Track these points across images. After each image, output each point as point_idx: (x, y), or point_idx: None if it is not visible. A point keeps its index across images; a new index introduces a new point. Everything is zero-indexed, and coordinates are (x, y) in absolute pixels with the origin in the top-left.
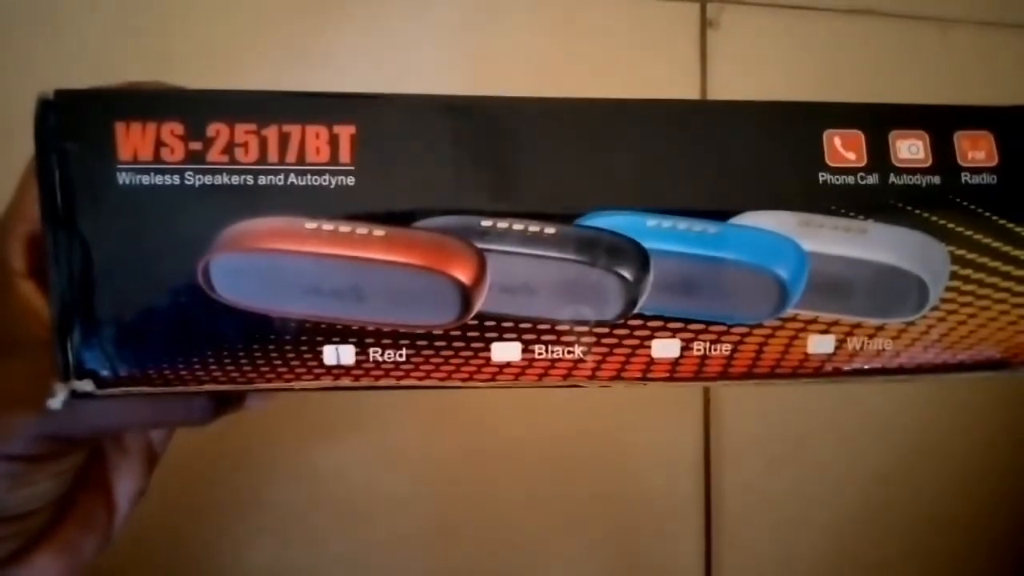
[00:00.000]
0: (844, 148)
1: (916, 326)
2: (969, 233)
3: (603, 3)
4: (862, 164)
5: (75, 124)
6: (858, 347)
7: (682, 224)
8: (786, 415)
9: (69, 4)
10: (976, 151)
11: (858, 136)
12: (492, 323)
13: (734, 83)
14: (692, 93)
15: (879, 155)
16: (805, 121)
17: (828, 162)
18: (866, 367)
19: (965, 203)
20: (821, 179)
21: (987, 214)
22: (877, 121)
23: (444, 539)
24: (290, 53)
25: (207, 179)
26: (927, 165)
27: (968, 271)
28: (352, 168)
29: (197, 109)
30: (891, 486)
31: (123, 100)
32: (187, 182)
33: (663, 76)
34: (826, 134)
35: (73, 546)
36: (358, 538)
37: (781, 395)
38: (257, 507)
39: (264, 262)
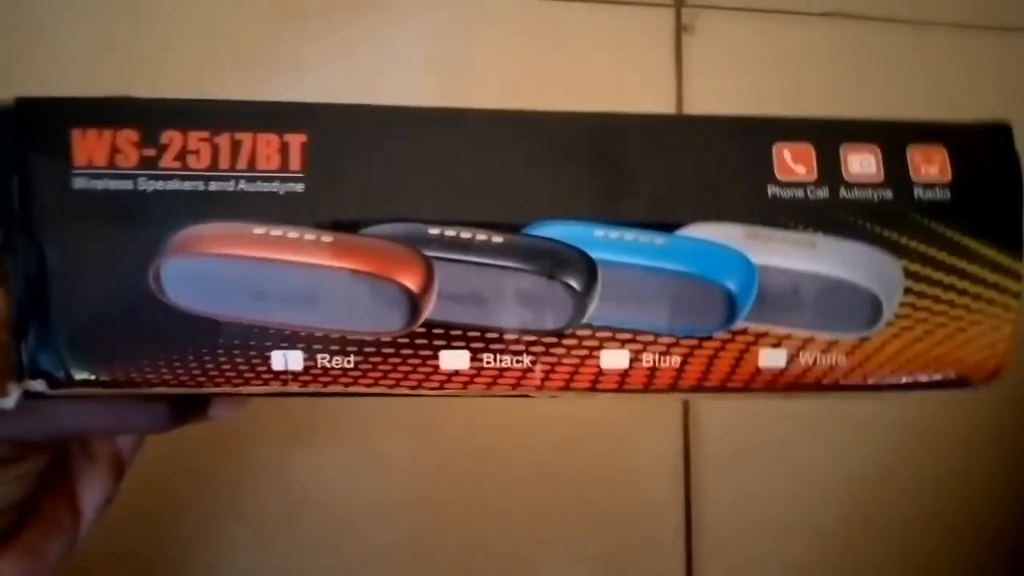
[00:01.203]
0: (794, 162)
1: (870, 342)
2: (923, 248)
3: (578, 9)
4: (812, 178)
5: (34, 130)
6: (811, 362)
7: (630, 235)
8: (766, 421)
9: (53, 18)
10: (929, 166)
11: (808, 150)
12: (440, 331)
13: (710, 87)
14: (668, 97)
15: (830, 169)
16: (755, 134)
17: (778, 176)
18: (820, 383)
19: (919, 218)
20: (770, 192)
21: (941, 229)
22: (828, 135)
23: (426, 549)
24: (269, 63)
25: (159, 184)
26: (879, 180)
27: (923, 287)
28: (302, 175)
29: (152, 117)
30: (872, 491)
31: (80, 107)
32: (140, 187)
33: (638, 81)
34: (776, 147)
35: (37, 551)
36: (339, 548)
37: (760, 402)
38: (236, 517)
39: (213, 267)
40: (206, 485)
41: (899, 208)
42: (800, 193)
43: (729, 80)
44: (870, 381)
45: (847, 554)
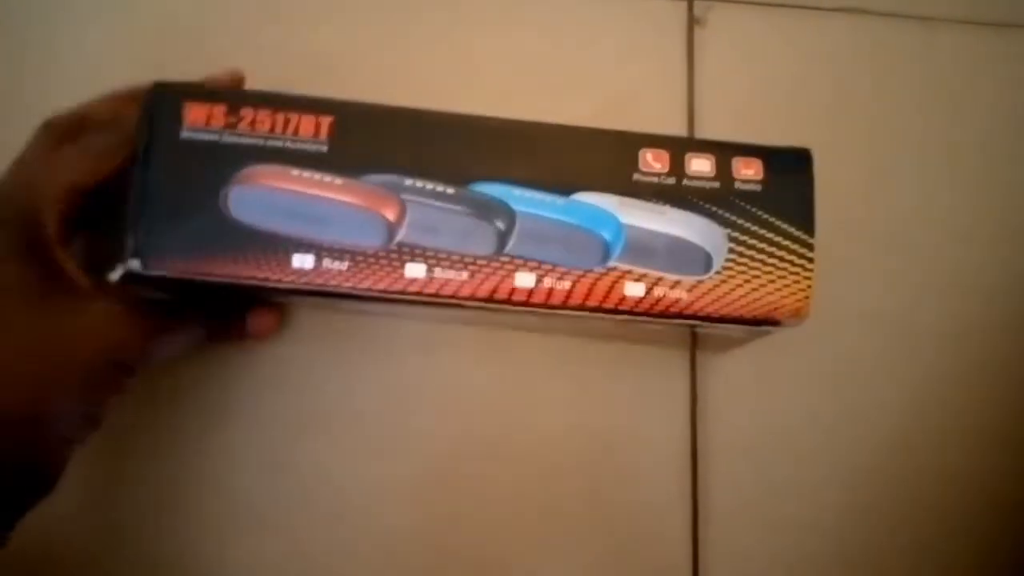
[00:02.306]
0: (653, 160)
1: (704, 283)
2: (741, 221)
3: (590, 1)
4: (665, 171)
5: (162, 101)
6: (661, 294)
7: (539, 195)
8: (772, 413)
9: (67, 15)
10: (747, 170)
11: (663, 153)
12: (407, 249)
13: (721, 80)
14: (679, 90)
15: (677, 166)
16: (629, 142)
17: (641, 168)
18: (669, 310)
19: (737, 201)
20: (635, 178)
21: (753, 210)
22: (678, 147)
23: (429, 534)
24: (277, 54)
25: (235, 139)
26: (711, 175)
27: (742, 248)
28: (327, 142)
29: (235, 99)
30: (877, 483)
31: (192, 89)
32: (222, 140)
33: (650, 74)
34: (641, 151)
35: None
36: (347, 532)
37: (767, 394)
38: (241, 502)
39: (264, 194)
40: (209, 472)
41: (723, 193)
42: (656, 180)
43: (740, 73)
44: (704, 313)
45: (853, 546)
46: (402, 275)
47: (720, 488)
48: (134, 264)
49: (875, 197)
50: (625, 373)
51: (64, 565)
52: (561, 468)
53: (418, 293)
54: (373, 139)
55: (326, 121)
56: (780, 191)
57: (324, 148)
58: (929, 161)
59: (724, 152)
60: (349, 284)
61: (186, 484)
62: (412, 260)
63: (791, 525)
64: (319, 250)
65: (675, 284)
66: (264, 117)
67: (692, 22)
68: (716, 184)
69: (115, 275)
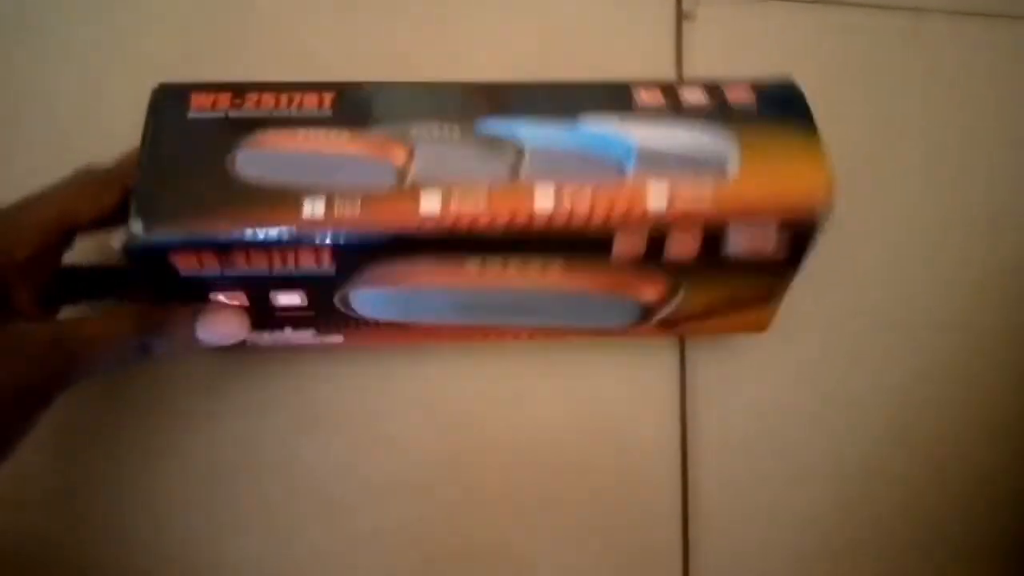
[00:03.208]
0: (647, 97)
1: (726, 182)
2: (745, 126)
3: None
4: (661, 103)
5: (169, 96)
6: (685, 204)
7: (546, 128)
8: (762, 408)
9: (59, 15)
10: (739, 92)
11: (656, 91)
12: (421, 184)
13: (709, 74)
14: None
15: (671, 97)
16: (624, 87)
17: (638, 103)
18: (695, 219)
19: (737, 112)
20: (635, 105)
21: (753, 116)
22: (668, 85)
23: (422, 534)
24: (281, 46)
25: (241, 113)
26: (704, 102)
27: (751, 149)
28: (331, 111)
29: (242, 88)
30: (866, 476)
31: (196, 85)
32: (229, 115)
33: (639, 67)
34: (635, 89)
35: None
36: (340, 531)
37: (756, 389)
38: (238, 500)
39: (272, 155)
40: (206, 469)
41: (721, 110)
42: (653, 106)
43: (729, 67)
44: (735, 213)
45: (843, 539)
46: (416, 211)
47: (710, 482)
48: (136, 227)
49: (865, 190)
50: (615, 370)
51: (63, 567)
52: (553, 465)
53: (435, 228)
54: (376, 103)
55: (329, 96)
56: (774, 104)
57: (329, 114)
58: (921, 152)
59: (714, 85)
60: (361, 226)
61: (182, 486)
62: (426, 192)
63: (781, 518)
64: (330, 196)
65: (697, 189)
66: (269, 97)
67: (681, 16)
68: (712, 105)
69: (117, 242)
